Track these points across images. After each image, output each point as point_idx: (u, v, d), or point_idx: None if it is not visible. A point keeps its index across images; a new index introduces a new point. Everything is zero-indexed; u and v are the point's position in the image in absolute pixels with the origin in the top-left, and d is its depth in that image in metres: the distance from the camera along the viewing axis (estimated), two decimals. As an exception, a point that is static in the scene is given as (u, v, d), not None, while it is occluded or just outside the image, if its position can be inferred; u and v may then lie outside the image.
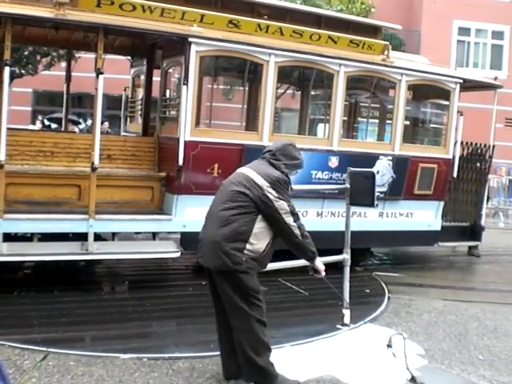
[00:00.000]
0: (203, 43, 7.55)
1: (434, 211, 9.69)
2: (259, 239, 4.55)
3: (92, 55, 7.89)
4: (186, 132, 7.52)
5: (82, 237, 7.36)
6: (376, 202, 6.78)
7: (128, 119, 9.81)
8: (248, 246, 4.50)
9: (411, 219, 9.45)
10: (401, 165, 8.94)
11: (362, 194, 6.68)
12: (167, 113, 8.39)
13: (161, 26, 7.46)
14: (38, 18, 7.13)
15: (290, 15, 8.63)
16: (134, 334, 6.33)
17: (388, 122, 9.90)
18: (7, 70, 6.88)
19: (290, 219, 4.57)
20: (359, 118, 11.17)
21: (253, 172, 4.67)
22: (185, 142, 7.50)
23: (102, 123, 8.80)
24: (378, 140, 10.16)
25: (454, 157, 9.62)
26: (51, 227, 7.30)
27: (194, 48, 7.50)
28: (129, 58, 9.62)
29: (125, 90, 9.88)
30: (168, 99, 8.61)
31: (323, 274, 4.96)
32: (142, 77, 9.48)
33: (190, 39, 7.47)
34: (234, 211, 4.54)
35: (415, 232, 9.47)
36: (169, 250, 7.80)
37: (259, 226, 4.55)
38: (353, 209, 8.49)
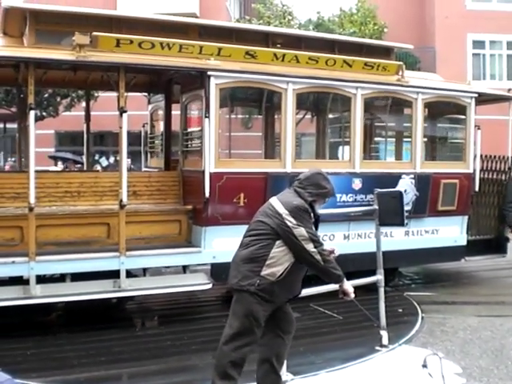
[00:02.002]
0: (222, 76, 7.67)
1: (459, 226, 9.69)
2: (276, 263, 4.63)
3: (110, 94, 8.04)
4: (210, 164, 7.60)
5: (112, 274, 7.42)
6: (406, 221, 6.80)
7: (148, 154, 9.91)
8: (264, 269, 4.60)
9: (437, 236, 9.44)
10: (423, 182, 8.97)
11: (390, 213, 6.70)
12: (189, 146, 8.48)
13: (180, 61, 7.59)
14: (61, 62, 7.28)
15: (304, 42, 8.76)
16: (174, 369, 6.33)
17: (405, 140, 9.98)
18: (32, 113, 7.01)
19: (309, 246, 4.63)
20: (377, 138, 11.22)
21: (276, 200, 4.83)
22: (210, 173, 7.58)
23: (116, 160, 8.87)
24: (396, 159, 10.19)
25: (474, 171, 9.65)
26: (83, 266, 7.36)
27: (213, 81, 7.62)
28: (145, 94, 9.75)
29: (143, 126, 10.01)
30: (189, 133, 8.70)
31: (352, 296, 4.98)
32: (160, 112, 9.61)
33: (209, 72, 7.59)
34: (255, 237, 4.73)
35: (442, 248, 9.45)
36: (200, 282, 7.82)
37: (277, 250, 4.64)
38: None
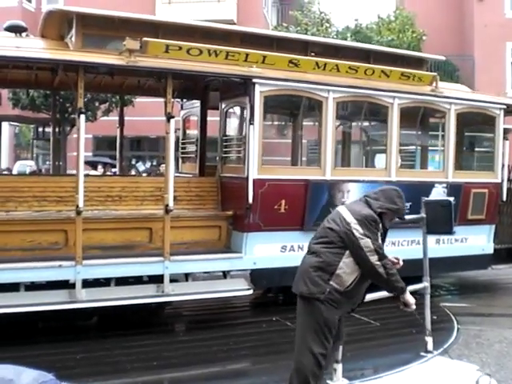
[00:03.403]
0: (266, 83, 7.74)
1: (486, 235, 9.83)
2: (345, 273, 4.63)
3: (147, 100, 8.06)
4: (253, 170, 7.66)
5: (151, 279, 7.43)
6: (454, 229, 6.91)
7: (180, 160, 9.94)
8: (333, 278, 4.60)
9: (466, 244, 9.57)
10: (455, 191, 9.07)
11: (439, 222, 6.78)
12: (229, 152, 8.54)
13: (225, 68, 7.65)
14: (112, 66, 7.30)
15: (342, 52, 8.86)
16: (228, 373, 6.38)
17: (432, 149, 10.11)
18: (83, 117, 7.03)
19: (374, 257, 4.63)
20: (409, 147, 11.29)
21: (345, 209, 4.85)
22: (253, 180, 7.64)
23: (159, 165, 8.90)
24: (425, 168, 10.31)
25: (502, 180, 9.81)
26: (128, 271, 7.38)
27: (258, 88, 7.69)
28: (178, 100, 9.78)
29: (175, 131, 10.02)
30: (229, 139, 8.75)
31: (413, 307, 4.99)
32: (192, 118, 9.64)
33: (254, 80, 7.66)
34: (324, 245, 4.71)
35: (470, 257, 9.57)
36: (241, 288, 7.86)
37: (346, 260, 4.64)
38: (412, 237, 8.64)
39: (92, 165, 12.88)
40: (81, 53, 7.30)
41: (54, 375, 6.03)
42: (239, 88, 7.91)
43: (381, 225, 4.85)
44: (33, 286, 7.14)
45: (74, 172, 7.52)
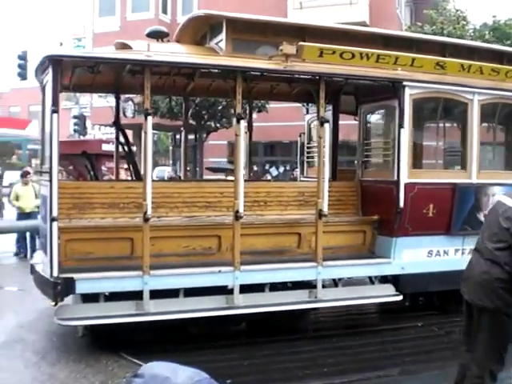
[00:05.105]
0: (416, 86, 7.66)
1: None
2: None
3: (279, 105, 7.98)
4: (404, 174, 7.56)
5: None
6: None
7: (306, 164, 9.87)
8: None
9: None
10: None
11: None
12: (372, 157, 8.46)
13: (372, 71, 7.58)
14: (270, 71, 7.29)
15: (476, 54, 8.72)
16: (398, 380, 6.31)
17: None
18: (242, 123, 6.97)
19: None
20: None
21: (506, 198, 4.63)
22: (404, 184, 7.54)
23: (292, 170, 8.85)
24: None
25: None
26: (282, 277, 7.35)
27: (407, 91, 7.60)
28: (304, 104, 9.74)
29: (300, 135, 9.99)
30: (372, 143, 8.66)
31: None
32: (316, 122, 9.57)
33: (405, 83, 7.57)
34: (503, 251, 4.44)
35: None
36: (390, 294, 7.76)
37: None
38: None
39: (215, 171, 12.90)
40: (235, 58, 7.30)
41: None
42: (385, 91, 7.82)
43: None
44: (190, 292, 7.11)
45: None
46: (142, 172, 7.89)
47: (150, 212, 6.61)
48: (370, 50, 7.52)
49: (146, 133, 6.67)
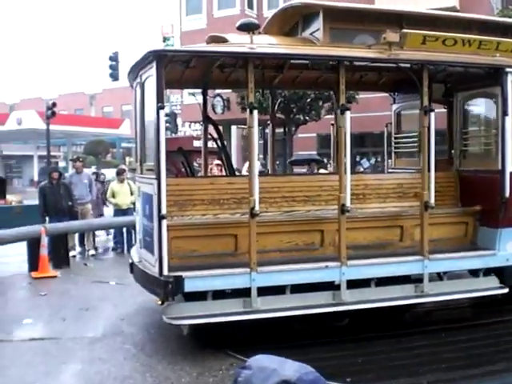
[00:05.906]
0: (517, 72, 7.40)
1: None
2: None
3: (369, 95, 7.77)
4: (509, 163, 7.32)
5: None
6: None
7: (393, 155, 9.66)
8: None
9: None
10: None
11: None
12: (472, 146, 8.23)
13: (471, 58, 7.34)
14: (374, 60, 7.11)
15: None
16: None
17: None
18: (348, 114, 6.78)
19: None
20: None
21: None
22: (510, 173, 7.30)
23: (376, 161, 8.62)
24: None
25: None
26: (389, 271, 7.16)
27: (510, 78, 7.35)
28: (391, 93, 9.52)
29: (386, 125, 9.77)
30: (471, 132, 8.41)
31: None
32: (404, 112, 9.36)
33: (507, 69, 7.32)
34: None
35: None
36: (495, 286, 7.53)
37: None
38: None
39: (297, 164, 12.75)
40: (335, 48, 7.13)
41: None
42: (485, 78, 7.57)
43: None
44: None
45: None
46: (235, 167, 7.78)
47: (257, 207, 6.48)
48: (471, 36, 7.31)
49: (251, 127, 6.54)
